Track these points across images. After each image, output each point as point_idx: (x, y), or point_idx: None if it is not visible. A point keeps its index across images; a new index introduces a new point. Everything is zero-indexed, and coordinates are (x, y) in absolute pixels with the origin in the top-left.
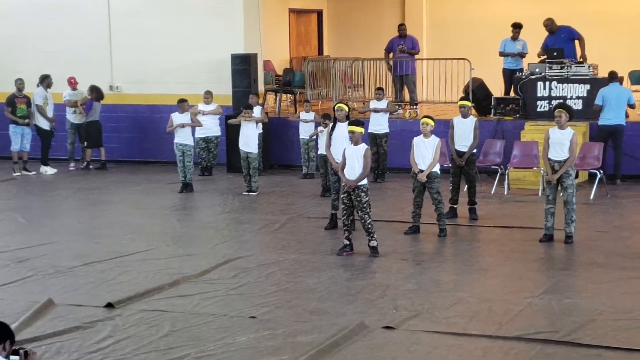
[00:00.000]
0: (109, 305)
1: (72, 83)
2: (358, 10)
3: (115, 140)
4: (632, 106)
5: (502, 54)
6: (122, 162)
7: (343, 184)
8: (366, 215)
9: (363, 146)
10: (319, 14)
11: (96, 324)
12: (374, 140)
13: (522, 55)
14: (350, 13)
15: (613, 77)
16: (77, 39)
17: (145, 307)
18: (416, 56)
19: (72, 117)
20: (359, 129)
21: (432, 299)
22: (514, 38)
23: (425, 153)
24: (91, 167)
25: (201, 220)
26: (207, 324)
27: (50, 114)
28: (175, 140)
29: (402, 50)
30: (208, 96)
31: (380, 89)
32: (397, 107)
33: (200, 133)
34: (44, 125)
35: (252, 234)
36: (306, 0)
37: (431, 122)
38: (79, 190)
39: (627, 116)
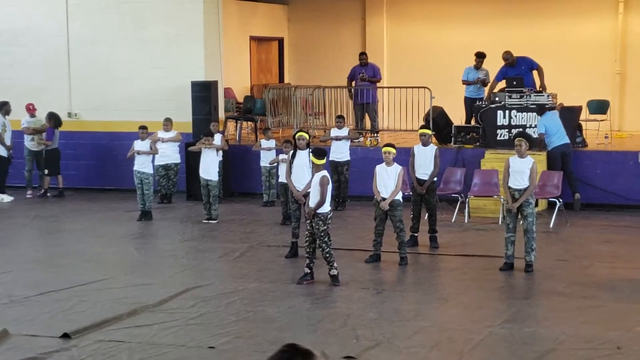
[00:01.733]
0: (65, 336)
1: (31, 109)
2: (319, 38)
3: (73, 167)
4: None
5: (464, 82)
6: (80, 189)
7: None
8: (324, 244)
9: (320, 173)
10: (280, 41)
11: (52, 354)
12: (335, 168)
13: (484, 83)
14: (311, 41)
15: (543, 109)
16: (35, 67)
17: (102, 338)
18: (377, 84)
19: (30, 144)
20: (318, 162)
21: (393, 329)
22: (477, 67)
23: (387, 181)
24: (49, 194)
25: (160, 249)
26: (165, 354)
27: (8, 141)
28: (134, 168)
29: (364, 78)
30: (167, 123)
31: (340, 117)
32: (358, 134)
33: (159, 160)
34: (2, 152)
35: (212, 262)
36: (267, 28)
37: (393, 151)
38: (36, 218)
39: (584, 144)
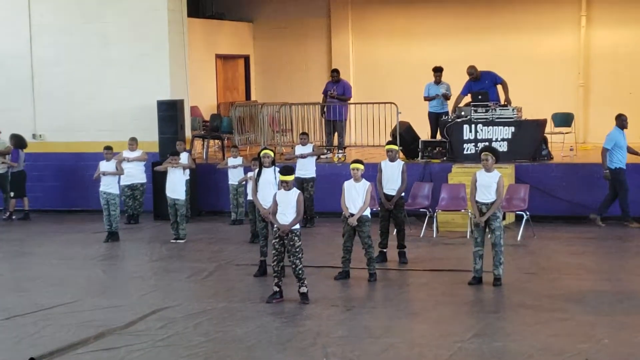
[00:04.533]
0: None
1: None
2: (285, 55)
3: (39, 189)
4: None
5: (426, 98)
6: (46, 211)
7: (275, 229)
8: (298, 261)
9: (295, 191)
10: (246, 59)
11: None
12: (300, 184)
13: (446, 97)
14: (277, 58)
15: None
16: None
17: None
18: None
19: None
20: (290, 178)
21: (363, 346)
22: (437, 82)
23: (355, 197)
24: (14, 217)
25: (127, 270)
26: None
27: None
28: (100, 189)
29: (332, 95)
30: (132, 143)
31: (304, 134)
32: (324, 150)
33: (125, 180)
34: None
35: (180, 282)
36: (233, 46)
37: (361, 167)
38: (1, 242)
39: (550, 156)
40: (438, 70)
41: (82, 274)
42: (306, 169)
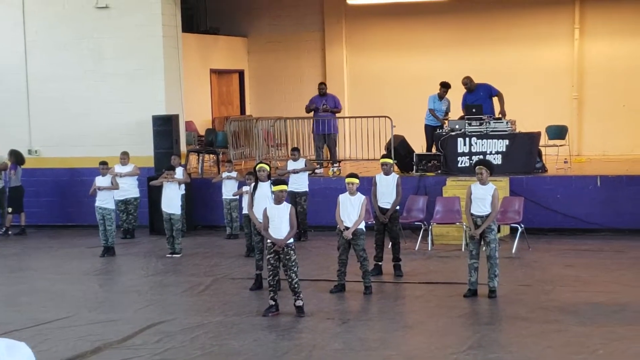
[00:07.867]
0: None
1: None
2: (279, 69)
3: (35, 204)
4: None
5: (432, 111)
6: (42, 226)
7: (269, 244)
8: (293, 274)
9: (287, 205)
10: (241, 74)
11: None
12: (293, 198)
13: (446, 113)
14: (271, 73)
15: None
16: None
17: None
18: (338, 114)
19: None
20: (284, 188)
21: (358, 358)
22: (441, 97)
23: (350, 210)
24: (10, 232)
25: (123, 284)
26: None
27: None
28: (96, 204)
29: (326, 109)
30: (124, 157)
31: (295, 149)
32: (316, 165)
33: (118, 195)
34: None
35: (176, 296)
36: (227, 60)
37: (356, 182)
38: None
39: (544, 169)
40: (445, 87)
41: (79, 289)
42: (299, 183)
